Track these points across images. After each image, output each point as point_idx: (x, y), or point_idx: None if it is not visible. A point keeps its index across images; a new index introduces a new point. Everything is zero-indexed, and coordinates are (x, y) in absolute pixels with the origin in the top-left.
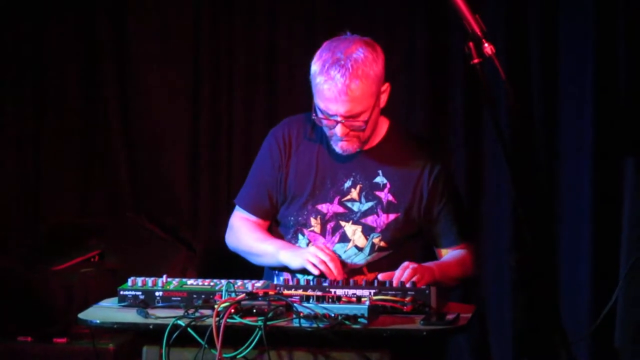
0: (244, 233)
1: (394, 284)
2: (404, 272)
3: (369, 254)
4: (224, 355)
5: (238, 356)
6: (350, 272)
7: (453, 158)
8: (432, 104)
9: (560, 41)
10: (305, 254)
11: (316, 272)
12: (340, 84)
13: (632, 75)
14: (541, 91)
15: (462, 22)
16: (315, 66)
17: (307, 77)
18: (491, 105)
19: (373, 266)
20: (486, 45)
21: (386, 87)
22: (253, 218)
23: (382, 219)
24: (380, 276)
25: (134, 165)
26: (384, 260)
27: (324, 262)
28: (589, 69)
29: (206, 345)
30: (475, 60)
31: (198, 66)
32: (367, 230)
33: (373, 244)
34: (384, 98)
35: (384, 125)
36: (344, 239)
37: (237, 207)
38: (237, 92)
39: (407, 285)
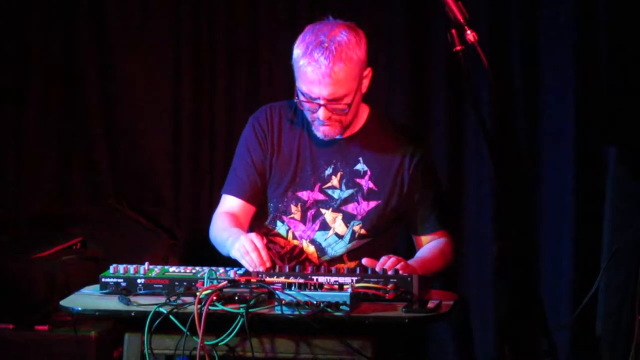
0: (215, 224)
1: (377, 269)
2: (387, 260)
3: (349, 242)
4: (206, 343)
5: (220, 343)
6: (330, 261)
7: (434, 145)
8: (414, 91)
9: (542, 30)
10: (235, 245)
11: (246, 265)
12: (324, 66)
13: (614, 65)
14: (523, 79)
15: (444, 9)
16: (298, 49)
17: (289, 64)
18: (473, 93)
19: (353, 254)
20: (469, 32)
21: (368, 71)
22: (238, 205)
23: (362, 207)
24: (364, 261)
25: (115, 152)
26: (364, 247)
27: (248, 253)
28: (571, 59)
29: (188, 333)
30: (458, 48)
31: (179, 53)
32: (348, 218)
33: (353, 232)
34: (366, 83)
35: (364, 112)
36: (325, 226)
37: (221, 198)
38: (219, 79)
39: (389, 272)
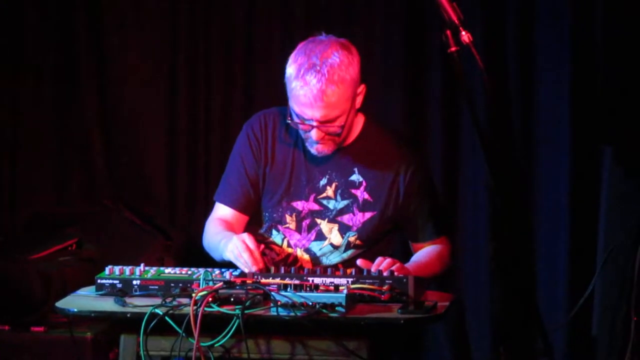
0: (208, 230)
1: (373, 270)
2: (383, 261)
3: (344, 252)
4: (202, 344)
5: (216, 345)
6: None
7: (430, 147)
8: (409, 95)
9: (537, 29)
10: (228, 246)
11: (240, 266)
12: (316, 89)
13: (609, 63)
14: (518, 79)
15: (439, 10)
16: (290, 69)
17: (284, 67)
18: (468, 94)
19: (348, 264)
20: (463, 33)
21: (362, 88)
22: (231, 214)
23: (358, 218)
24: (359, 262)
25: (111, 153)
26: (359, 257)
27: (240, 255)
28: (566, 56)
29: (184, 334)
30: (453, 49)
31: (175, 55)
32: (343, 229)
33: (349, 242)
34: (359, 99)
35: (359, 122)
36: (320, 236)
37: (215, 206)
38: (215, 82)
39: (385, 273)
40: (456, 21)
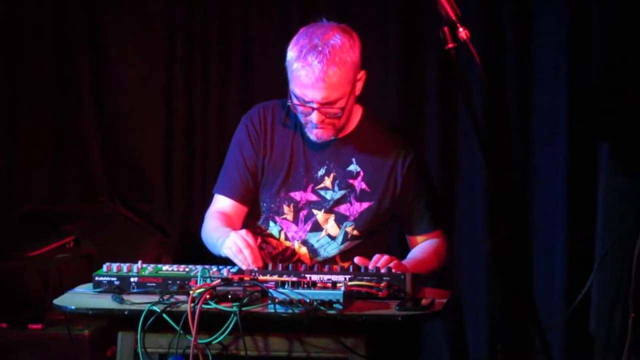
0: (207, 224)
1: (370, 267)
2: (380, 258)
3: (342, 243)
4: (199, 341)
5: (213, 342)
6: (323, 263)
7: (427, 144)
8: (406, 89)
9: (534, 26)
10: (226, 242)
11: (238, 263)
12: (317, 70)
13: (606, 61)
14: (516, 76)
15: (436, 7)
16: (291, 52)
17: (282, 63)
18: (465, 91)
19: (346, 255)
20: (461, 29)
21: (362, 74)
22: (230, 205)
23: (355, 208)
24: (356, 259)
25: (108, 150)
26: (357, 249)
27: (240, 251)
28: (563, 54)
29: (181, 331)
30: (450, 45)
31: (172, 50)
32: (340, 219)
33: (346, 233)
34: (359, 85)
35: (357, 113)
36: (317, 227)
37: (214, 198)
38: (212, 76)
39: (382, 270)
40: (453, 17)
